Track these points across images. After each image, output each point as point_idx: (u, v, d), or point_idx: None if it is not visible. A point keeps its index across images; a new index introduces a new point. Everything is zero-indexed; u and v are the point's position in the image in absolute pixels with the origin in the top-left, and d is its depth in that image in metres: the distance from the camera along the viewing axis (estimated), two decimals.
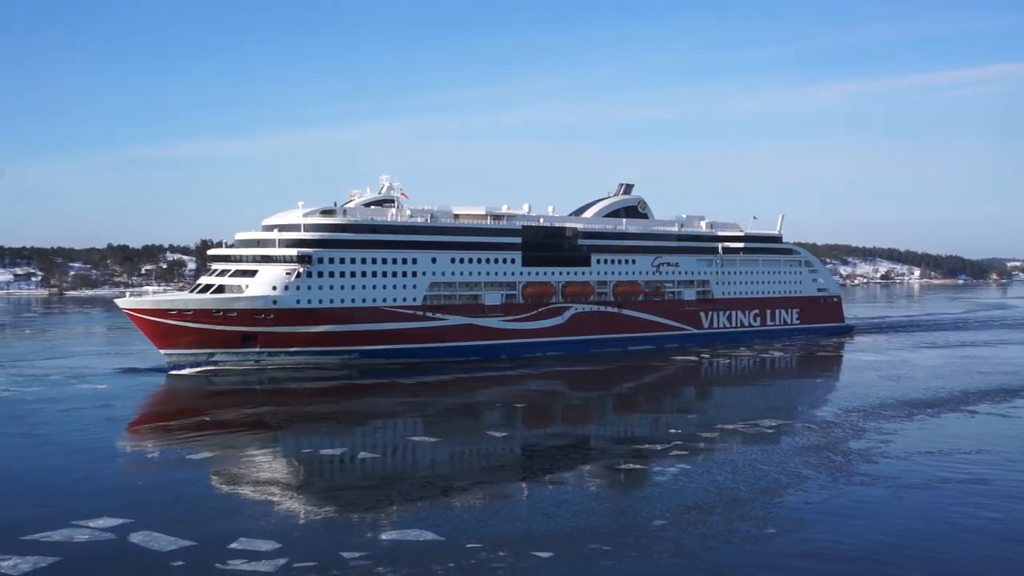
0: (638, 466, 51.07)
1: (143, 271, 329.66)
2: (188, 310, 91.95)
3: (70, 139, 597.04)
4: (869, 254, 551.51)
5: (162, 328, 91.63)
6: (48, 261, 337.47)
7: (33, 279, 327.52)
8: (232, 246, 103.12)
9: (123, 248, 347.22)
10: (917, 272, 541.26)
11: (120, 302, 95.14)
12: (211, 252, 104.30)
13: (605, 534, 38.31)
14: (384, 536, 37.75)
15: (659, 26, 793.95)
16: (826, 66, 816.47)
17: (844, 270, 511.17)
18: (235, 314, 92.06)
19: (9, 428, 61.94)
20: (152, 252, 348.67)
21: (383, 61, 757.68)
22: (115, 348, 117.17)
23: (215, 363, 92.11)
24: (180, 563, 34.20)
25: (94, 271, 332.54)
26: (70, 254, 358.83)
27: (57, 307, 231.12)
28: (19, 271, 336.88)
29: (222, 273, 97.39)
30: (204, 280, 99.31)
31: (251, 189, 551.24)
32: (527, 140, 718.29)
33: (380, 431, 64.13)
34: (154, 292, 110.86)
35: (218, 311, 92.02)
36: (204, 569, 33.60)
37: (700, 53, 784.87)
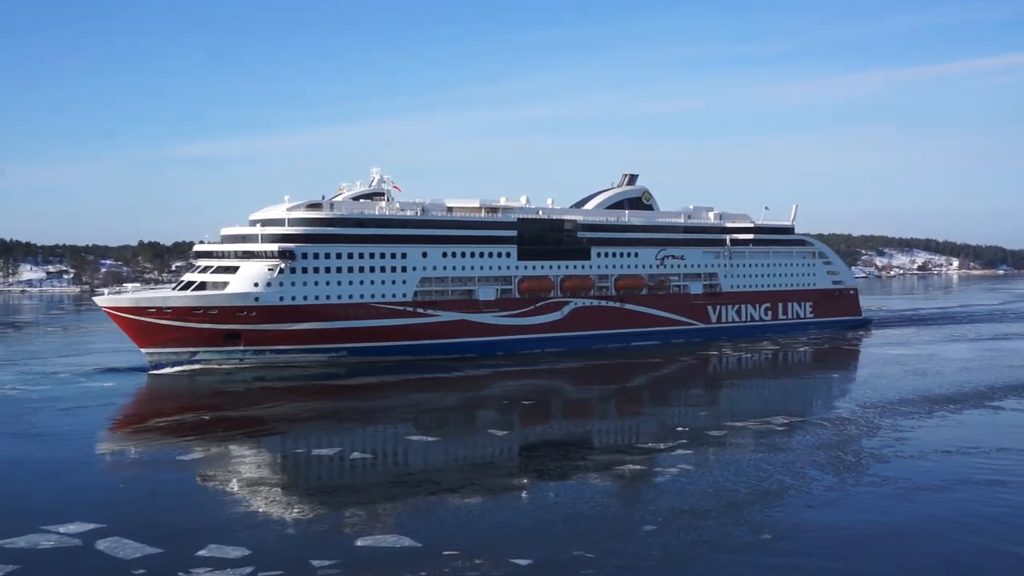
0: (638, 466, 49.20)
1: (173, 267, 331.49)
2: (167, 308, 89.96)
3: (103, 137, 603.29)
4: (906, 245, 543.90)
5: (142, 326, 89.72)
6: (80, 259, 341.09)
7: (65, 276, 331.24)
8: (219, 242, 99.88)
9: (154, 245, 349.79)
10: (956, 263, 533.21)
11: (99, 300, 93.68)
12: (196, 248, 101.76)
13: (591, 540, 36.53)
14: (360, 542, 36.22)
15: (676, 19, 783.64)
16: (850, 56, 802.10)
17: (880, 261, 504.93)
18: (215, 311, 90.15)
19: (7, 428, 61.10)
20: (182, 248, 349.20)
21: (400, 60, 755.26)
22: (133, 345, 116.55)
23: (198, 362, 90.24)
24: (142, 571, 32.85)
25: (125, 268, 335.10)
26: (104, 251, 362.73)
27: (87, 304, 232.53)
28: (52, 269, 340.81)
29: (205, 270, 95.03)
30: (187, 277, 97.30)
31: (280, 184, 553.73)
32: (541, 135, 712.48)
33: (374, 431, 62.44)
34: (133, 289, 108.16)
35: (198, 308, 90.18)
36: None
37: (718, 46, 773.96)
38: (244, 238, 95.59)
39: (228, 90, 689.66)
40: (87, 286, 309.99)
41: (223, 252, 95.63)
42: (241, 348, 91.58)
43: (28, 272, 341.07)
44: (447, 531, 37.88)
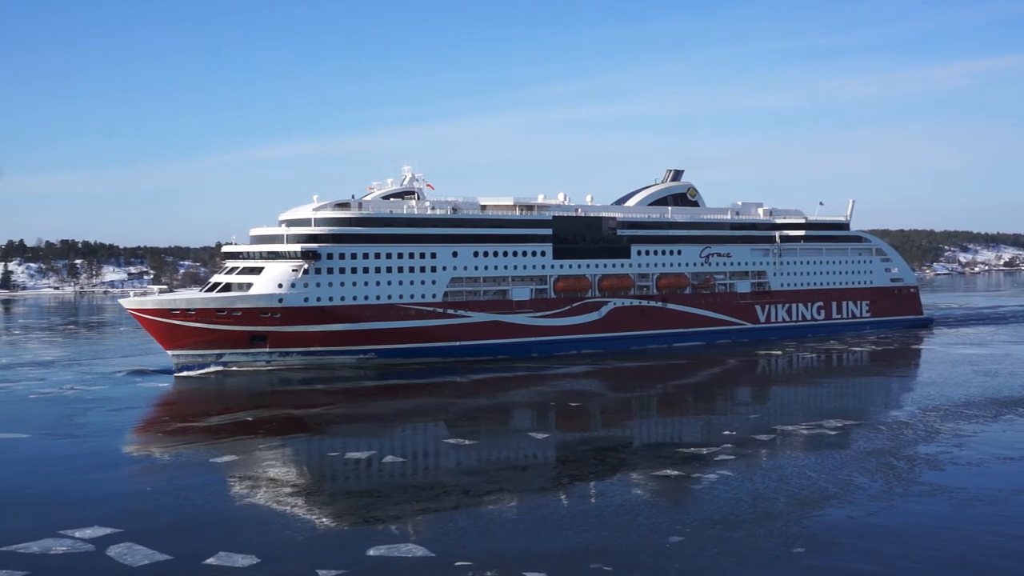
0: (675, 472, 47.20)
1: None
2: (191, 310, 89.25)
3: (188, 142, 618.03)
4: (992, 240, 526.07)
5: (167, 329, 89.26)
6: (159, 260, 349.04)
7: (146, 277, 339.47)
8: (248, 243, 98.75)
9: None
10: None
11: (124, 302, 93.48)
12: (224, 249, 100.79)
13: (611, 552, 34.89)
14: (372, 551, 35.12)
15: (759, 11, 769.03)
16: (943, 45, 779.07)
17: (964, 257, 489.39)
18: (240, 313, 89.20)
19: (54, 428, 61.63)
20: None
21: (475, 59, 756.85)
22: None
23: (224, 364, 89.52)
24: None
25: (203, 268, 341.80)
26: (184, 253, 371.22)
27: None
28: (133, 270, 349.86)
29: (232, 271, 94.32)
30: (214, 278, 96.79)
31: (353, 183, 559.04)
32: (586, 134, 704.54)
33: (407, 434, 61.36)
34: (160, 291, 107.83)
35: (222, 310, 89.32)
36: None
37: (807, 38, 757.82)
38: (270, 238, 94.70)
39: (326, 90, 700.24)
40: (165, 286, 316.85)
41: (249, 253, 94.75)
42: (267, 350, 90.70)
43: (111, 273, 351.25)
44: (465, 540, 36.62)
